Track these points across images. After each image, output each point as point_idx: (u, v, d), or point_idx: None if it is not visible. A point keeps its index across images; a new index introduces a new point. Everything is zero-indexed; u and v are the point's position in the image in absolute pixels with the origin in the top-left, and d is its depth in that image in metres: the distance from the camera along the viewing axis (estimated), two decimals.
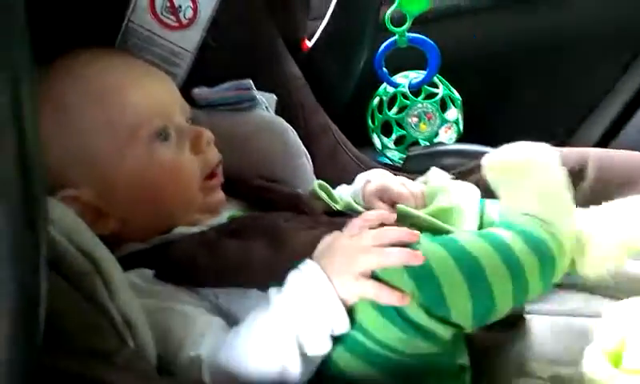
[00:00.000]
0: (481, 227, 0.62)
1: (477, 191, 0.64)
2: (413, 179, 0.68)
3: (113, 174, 0.57)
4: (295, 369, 0.46)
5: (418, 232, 0.48)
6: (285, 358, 0.46)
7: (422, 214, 0.59)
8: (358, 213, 0.63)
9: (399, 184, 0.64)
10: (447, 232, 0.58)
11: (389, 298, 0.45)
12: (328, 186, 0.69)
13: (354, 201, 0.66)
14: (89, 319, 0.43)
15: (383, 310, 0.45)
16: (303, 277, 0.48)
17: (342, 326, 0.46)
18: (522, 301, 0.48)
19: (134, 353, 0.45)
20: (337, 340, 0.47)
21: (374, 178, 0.66)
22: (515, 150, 0.53)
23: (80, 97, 0.57)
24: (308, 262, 0.48)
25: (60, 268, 0.44)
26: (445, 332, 0.46)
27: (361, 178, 0.67)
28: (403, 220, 0.60)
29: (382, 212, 0.53)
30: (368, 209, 0.64)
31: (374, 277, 0.46)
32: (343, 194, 0.68)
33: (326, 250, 0.49)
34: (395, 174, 0.70)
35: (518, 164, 0.52)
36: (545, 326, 0.55)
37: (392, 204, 0.63)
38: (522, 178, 0.52)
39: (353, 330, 0.46)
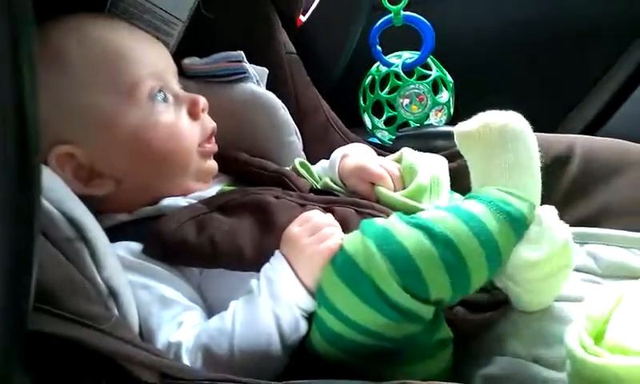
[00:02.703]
0: None
1: (445, 162, 0.67)
2: (384, 156, 0.69)
3: (111, 131, 0.57)
4: (277, 350, 0.48)
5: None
6: (267, 339, 0.48)
7: (399, 196, 0.61)
8: (337, 191, 0.64)
9: (377, 164, 0.64)
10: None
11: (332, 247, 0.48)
12: (308, 163, 0.69)
13: (330, 178, 0.66)
14: (75, 283, 0.43)
15: (362, 294, 0.46)
16: (271, 267, 0.51)
17: (307, 302, 0.49)
18: (497, 270, 0.49)
19: (119, 320, 0.45)
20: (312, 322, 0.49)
21: (352, 154, 0.66)
22: (486, 118, 0.53)
23: (83, 54, 0.57)
24: (276, 253, 0.52)
25: (46, 232, 0.44)
26: (427, 311, 0.47)
27: (338, 152, 0.67)
28: (382, 201, 0.61)
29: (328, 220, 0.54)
30: (346, 186, 0.65)
31: (349, 258, 0.47)
32: (321, 172, 0.69)
33: (286, 239, 0.52)
34: (384, 155, 0.70)
35: (487, 133, 0.52)
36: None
37: (370, 183, 0.63)
38: (493, 148, 0.52)
39: (326, 313, 0.48)
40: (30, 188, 0.30)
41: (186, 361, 0.48)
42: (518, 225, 0.49)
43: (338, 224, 0.53)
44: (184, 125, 0.60)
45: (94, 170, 0.56)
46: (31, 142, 0.30)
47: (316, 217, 0.53)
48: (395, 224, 0.48)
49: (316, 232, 0.51)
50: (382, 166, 0.64)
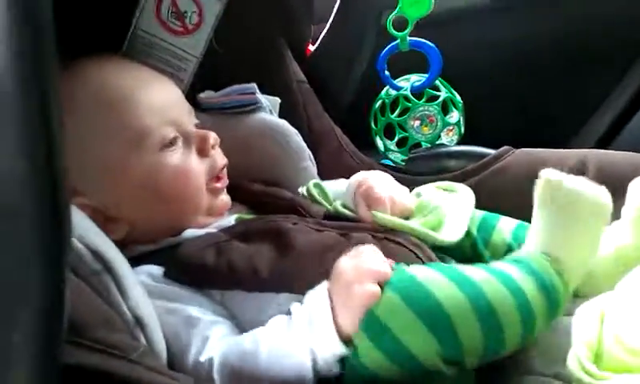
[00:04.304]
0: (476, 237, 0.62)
1: (472, 199, 0.64)
2: (414, 181, 0.68)
3: (121, 181, 0.58)
4: (309, 380, 0.47)
5: (391, 265, 0.48)
6: (300, 369, 0.46)
7: (392, 217, 0.59)
8: (349, 216, 0.63)
9: (383, 188, 0.62)
10: (425, 238, 0.58)
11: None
12: (323, 184, 0.68)
13: (343, 203, 0.64)
14: (101, 314, 0.44)
15: (392, 354, 0.45)
16: (313, 301, 0.49)
17: (338, 350, 0.46)
18: (528, 341, 0.49)
19: (147, 349, 0.46)
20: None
21: (370, 179, 0.65)
22: (578, 185, 0.50)
23: (90, 102, 0.58)
24: (323, 285, 0.49)
25: (73, 268, 0.45)
26: (452, 371, 0.47)
27: (356, 177, 0.66)
28: (380, 224, 0.60)
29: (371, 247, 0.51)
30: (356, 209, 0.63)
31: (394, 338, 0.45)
32: (336, 195, 0.67)
33: (334, 274, 0.49)
34: (397, 176, 0.70)
35: (574, 199, 0.50)
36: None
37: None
38: (569, 217, 0.50)
39: (357, 364, 0.46)
40: (61, 224, 0.31)
41: (216, 378, 0.48)
42: (552, 312, 0.48)
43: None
44: (191, 166, 0.61)
45: (106, 216, 0.57)
46: (60, 184, 0.31)
47: (366, 254, 0.50)
48: (438, 278, 0.46)
49: (364, 270, 0.48)
50: (387, 189, 0.62)
